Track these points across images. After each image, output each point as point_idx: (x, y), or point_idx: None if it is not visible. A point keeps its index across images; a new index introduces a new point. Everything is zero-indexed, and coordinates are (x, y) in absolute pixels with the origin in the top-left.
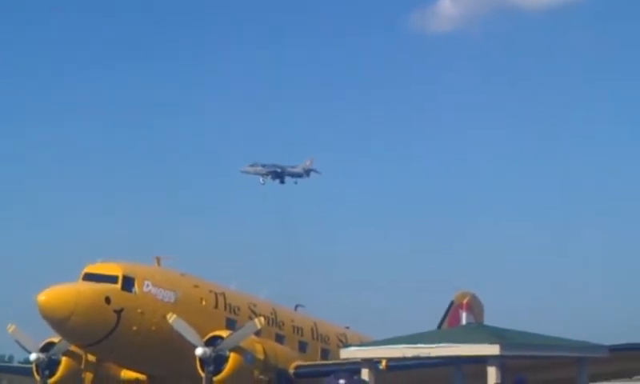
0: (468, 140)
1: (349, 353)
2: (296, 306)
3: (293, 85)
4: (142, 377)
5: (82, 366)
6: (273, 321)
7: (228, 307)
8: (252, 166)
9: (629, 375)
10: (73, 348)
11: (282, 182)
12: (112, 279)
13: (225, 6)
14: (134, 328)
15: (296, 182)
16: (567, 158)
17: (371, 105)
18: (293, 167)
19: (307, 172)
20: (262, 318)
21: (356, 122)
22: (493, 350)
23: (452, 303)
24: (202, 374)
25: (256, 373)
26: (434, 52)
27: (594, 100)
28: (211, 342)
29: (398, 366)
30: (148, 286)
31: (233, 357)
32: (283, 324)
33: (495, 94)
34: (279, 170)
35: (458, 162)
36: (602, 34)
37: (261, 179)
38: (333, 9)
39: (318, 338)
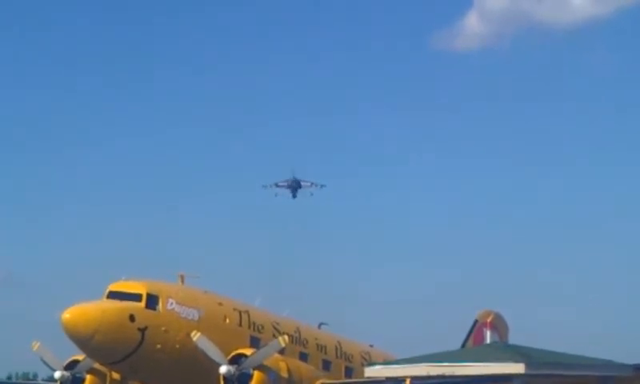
0: (493, 156)
1: (373, 371)
2: (320, 324)
3: (313, 99)
4: None
5: None
6: (297, 339)
7: (252, 325)
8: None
9: None
10: (97, 366)
11: (294, 195)
12: (136, 297)
13: (243, 17)
14: (158, 346)
15: (312, 194)
16: (595, 174)
17: (396, 121)
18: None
19: (297, 183)
20: (286, 336)
21: (380, 137)
22: (518, 368)
23: (476, 321)
24: None
25: None
26: (459, 69)
27: (622, 118)
28: (235, 361)
29: None
30: (172, 304)
31: (257, 375)
32: (307, 342)
33: (519, 111)
34: (287, 184)
35: (482, 178)
36: (629, 51)
37: (289, 192)
38: (358, 28)
39: (341, 357)
